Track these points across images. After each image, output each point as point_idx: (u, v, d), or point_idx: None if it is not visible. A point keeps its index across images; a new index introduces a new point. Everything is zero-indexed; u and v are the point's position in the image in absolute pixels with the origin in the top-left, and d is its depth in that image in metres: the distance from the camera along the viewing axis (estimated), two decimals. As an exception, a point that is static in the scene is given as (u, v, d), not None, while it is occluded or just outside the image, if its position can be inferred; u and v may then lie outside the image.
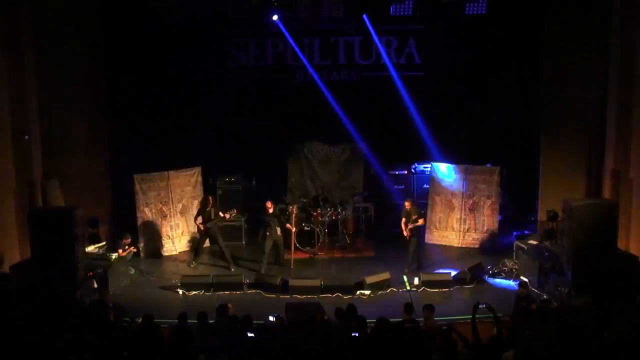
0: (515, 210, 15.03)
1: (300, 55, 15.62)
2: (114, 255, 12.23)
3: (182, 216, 14.38)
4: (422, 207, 15.00)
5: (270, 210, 13.00)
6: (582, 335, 7.59)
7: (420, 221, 12.72)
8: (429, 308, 8.95)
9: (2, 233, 12.08)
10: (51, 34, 13.41)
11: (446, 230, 14.60)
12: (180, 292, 11.76)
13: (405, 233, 12.63)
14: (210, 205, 13.21)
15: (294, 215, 13.47)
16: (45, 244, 10.70)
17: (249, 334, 8.04)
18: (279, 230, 13.16)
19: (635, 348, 7.25)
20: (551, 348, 7.36)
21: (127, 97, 14.82)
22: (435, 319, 9.04)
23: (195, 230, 13.69)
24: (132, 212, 14.10)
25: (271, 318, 8.86)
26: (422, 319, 9.01)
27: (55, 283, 10.47)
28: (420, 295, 11.52)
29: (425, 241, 14.68)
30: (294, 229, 13.42)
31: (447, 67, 15.34)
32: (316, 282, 11.78)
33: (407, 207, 12.80)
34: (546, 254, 11.85)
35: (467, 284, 11.91)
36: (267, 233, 12.95)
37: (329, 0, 14.30)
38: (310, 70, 15.71)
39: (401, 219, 12.83)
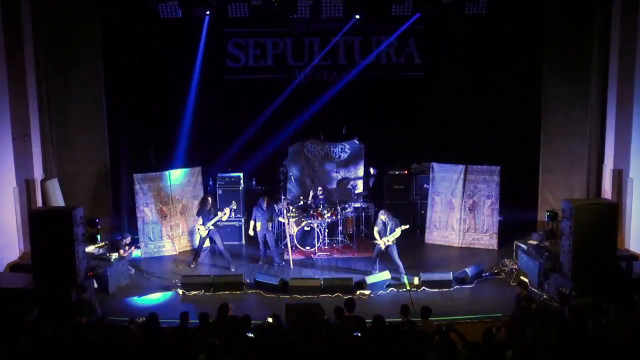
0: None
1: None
2: (114, 255, 12.23)
3: (182, 216, 14.38)
4: (423, 207, 15.04)
5: (264, 205, 13.21)
6: (582, 335, 7.60)
7: (397, 232, 12.16)
8: (424, 312, 8.88)
9: (2, 233, 12.09)
10: (51, 34, 13.42)
11: (446, 230, 14.59)
12: (180, 292, 11.76)
13: (382, 245, 12.29)
14: (209, 205, 13.21)
15: (285, 209, 13.44)
16: (45, 244, 10.69)
17: (249, 334, 8.04)
18: (270, 224, 13.24)
19: (635, 348, 7.26)
20: (551, 348, 7.37)
21: (127, 96, 14.82)
22: (433, 319, 9.02)
23: (196, 230, 13.69)
24: (132, 212, 14.10)
25: (269, 319, 8.85)
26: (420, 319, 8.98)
27: (55, 283, 10.48)
28: (420, 295, 11.52)
29: (425, 241, 14.68)
30: (287, 222, 13.40)
31: (447, 67, 15.33)
32: (316, 282, 11.77)
33: (382, 219, 12.34)
34: (546, 254, 11.86)
35: (467, 284, 11.91)
36: (259, 228, 13.15)
37: (329, 0, 14.28)
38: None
39: (373, 228, 12.57)
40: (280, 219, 13.51)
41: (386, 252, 12.36)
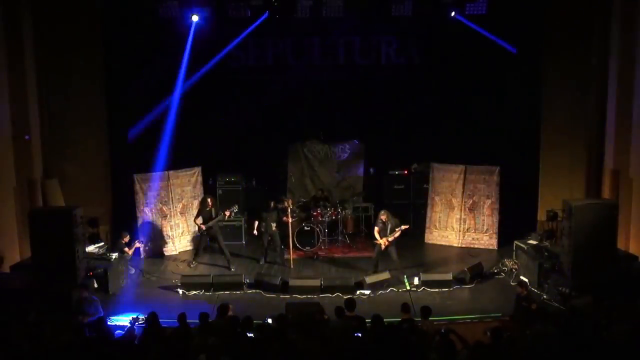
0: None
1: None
2: (114, 255, 12.22)
3: (182, 216, 14.39)
4: (423, 207, 15.05)
5: (271, 207, 13.25)
6: (582, 335, 7.60)
7: (398, 232, 12.20)
8: (424, 311, 8.90)
9: (2, 233, 12.09)
10: (51, 34, 13.41)
11: (446, 230, 14.59)
12: (180, 292, 11.76)
13: (382, 245, 12.26)
14: (210, 205, 13.21)
15: (289, 208, 13.51)
16: (45, 244, 10.69)
17: (249, 334, 8.05)
18: (274, 225, 13.23)
19: (635, 348, 7.26)
20: (551, 348, 7.37)
21: (127, 97, 14.80)
22: (433, 319, 9.03)
23: (196, 230, 13.69)
24: (132, 212, 14.09)
25: (269, 320, 8.87)
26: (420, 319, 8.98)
27: (55, 283, 10.48)
28: (420, 295, 11.52)
29: (425, 241, 14.68)
30: (290, 221, 13.45)
31: (446, 67, 15.33)
32: (316, 282, 11.77)
33: (383, 219, 12.34)
34: (546, 254, 11.86)
35: (467, 284, 11.91)
36: (262, 229, 13.15)
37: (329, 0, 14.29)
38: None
39: (374, 228, 12.57)
40: (285, 218, 13.53)
41: (386, 252, 12.36)
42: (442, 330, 8.00)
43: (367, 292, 11.56)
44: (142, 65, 14.79)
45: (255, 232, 13.41)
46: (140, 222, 13.90)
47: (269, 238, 13.24)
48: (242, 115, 15.71)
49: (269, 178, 15.96)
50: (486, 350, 7.20)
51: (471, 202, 14.27)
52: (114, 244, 13.01)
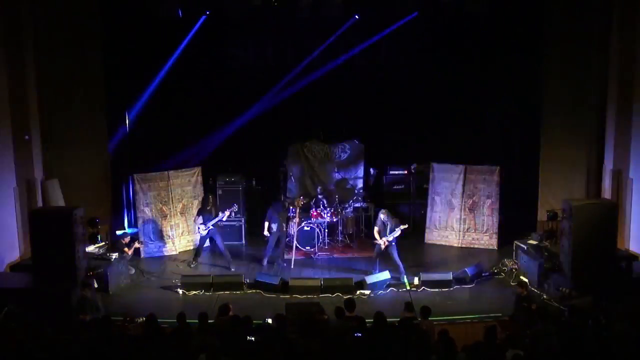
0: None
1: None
2: (114, 255, 12.22)
3: (182, 216, 14.38)
4: (423, 207, 15.05)
5: (285, 207, 13.23)
6: (582, 335, 7.61)
7: (398, 232, 12.14)
8: (424, 311, 8.90)
9: (2, 233, 12.09)
10: (51, 34, 13.41)
11: (446, 230, 14.59)
12: (180, 292, 11.76)
13: (382, 245, 12.24)
14: (210, 204, 13.21)
15: (298, 207, 13.47)
16: (45, 244, 10.69)
17: (249, 335, 8.04)
18: (284, 225, 13.23)
19: (635, 348, 7.27)
20: (551, 348, 7.37)
21: (128, 96, 14.82)
22: (433, 319, 9.03)
23: (196, 229, 13.69)
24: (132, 212, 14.10)
25: (269, 320, 8.86)
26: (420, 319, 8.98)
27: (55, 283, 10.48)
28: (420, 295, 11.52)
29: (425, 241, 14.68)
30: (297, 221, 13.39)
31: (447, 67, 15.34)
32: (316, 282, 11.76)
33: (383, 219, 12.32)
34: (546, 254, 11.86)
35: (467, 284, 11.91)
36: (275, 229, 13.08)
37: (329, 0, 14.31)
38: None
39: (374, 228, 12.55)
40: (293, 219, 13.50)
41: (386, 252, 12.36)
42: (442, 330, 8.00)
43: (367, 292, 11.56)
44: (141, 65, 14.81)
45: (266, 232, 13.25)
46: (140, 222, 13.91)
47: (276, 238, 13.19)
48: (241, 115, 15.72)
49: (269, 178, 15.96)
50: (484, 350, 7.20)
51: (471, 202, 14.27)
52: (114, 244, 13.00)
